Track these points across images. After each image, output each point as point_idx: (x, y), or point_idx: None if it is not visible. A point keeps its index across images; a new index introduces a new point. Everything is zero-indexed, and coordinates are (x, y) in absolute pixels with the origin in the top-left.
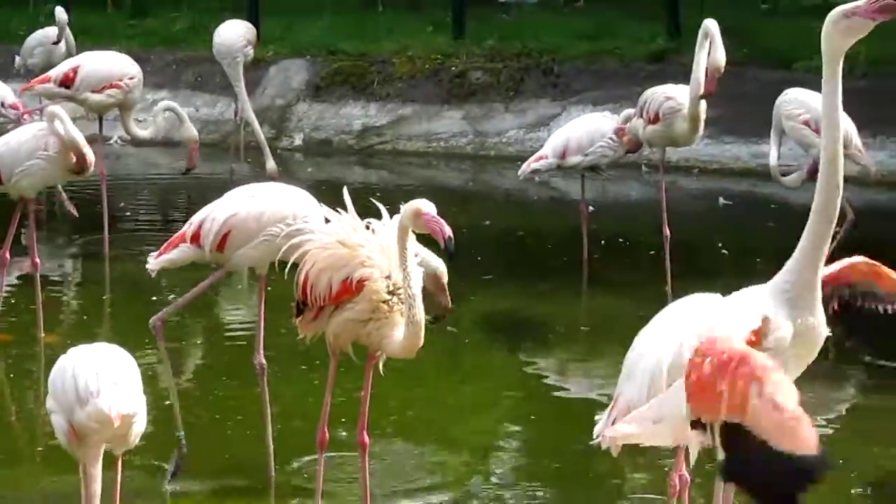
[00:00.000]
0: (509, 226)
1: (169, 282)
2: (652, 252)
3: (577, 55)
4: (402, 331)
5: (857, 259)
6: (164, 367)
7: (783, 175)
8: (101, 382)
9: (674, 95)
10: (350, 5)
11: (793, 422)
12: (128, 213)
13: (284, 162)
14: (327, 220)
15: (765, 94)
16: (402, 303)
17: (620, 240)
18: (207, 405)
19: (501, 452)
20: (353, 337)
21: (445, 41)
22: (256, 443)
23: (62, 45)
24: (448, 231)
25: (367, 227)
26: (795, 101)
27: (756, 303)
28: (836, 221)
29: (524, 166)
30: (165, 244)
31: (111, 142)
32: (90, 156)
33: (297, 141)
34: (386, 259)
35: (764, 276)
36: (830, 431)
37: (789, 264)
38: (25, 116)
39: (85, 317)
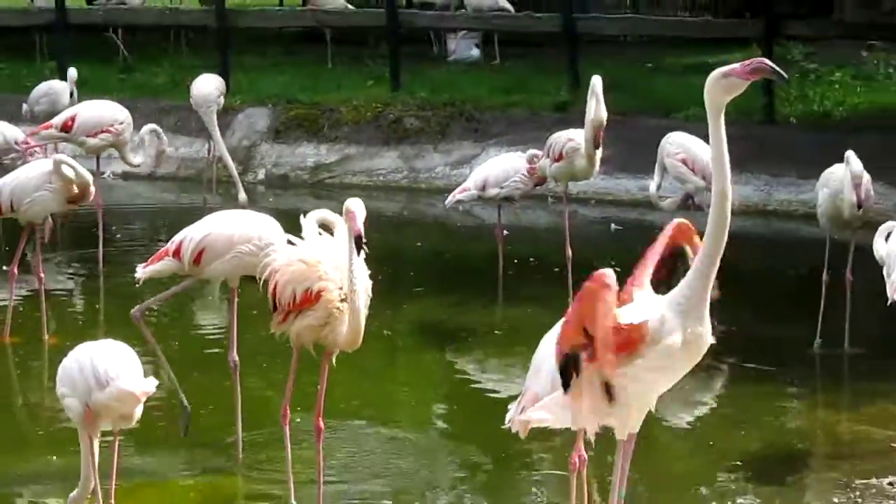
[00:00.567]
0: (437, 247)
1: (152, 292)
2: (556, 269)
3: (495, 105)
4: (346, 325)
5: (681, 220)
6: (153, 350)
7: (661, 200)
8: (120, 368)
9: (574, 137)
10: (305, 62)
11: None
12: (118, 236)
13: (249, 193)
14: (291, 243)
15: (650, 138)
16: (350, 301)
17: (530, 259)
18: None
19: (430, 436)
20: (314, 338)
21: (384, 92)
22: (227, 428)
23: (66, 94)
24: (358, 228)
25: (320, 234)
26: (675, 143)
27: (649, 308)
28: (724, 246)
29: (450, 197)
30: (151, 258)
31: (104, 176)
32: (93, 189)
33: (260, 176)
34: (338, 273)
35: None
36: (702, 414)
37: (684, 282)
38: (33, 151)
39: (82, 322)
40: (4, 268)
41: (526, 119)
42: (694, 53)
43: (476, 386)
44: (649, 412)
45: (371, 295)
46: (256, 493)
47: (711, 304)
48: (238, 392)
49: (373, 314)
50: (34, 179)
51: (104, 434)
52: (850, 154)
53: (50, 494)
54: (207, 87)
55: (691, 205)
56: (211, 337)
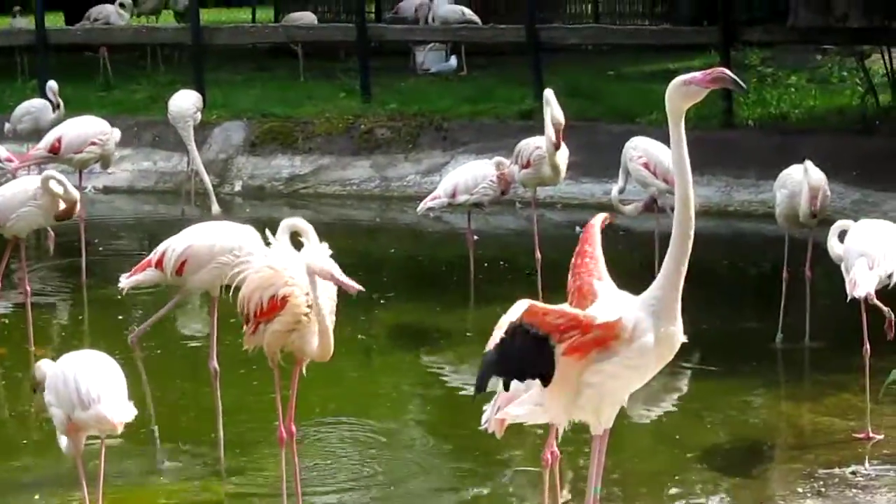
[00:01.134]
0: (410, 253)
1: (134, 302)
2: (527, 272)
3: (462, 114)
4: (317, 339)
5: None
6: (139, 369)
7: (623, 204)
8: (101, 390)
9: (541, 145)
10: (278, 77)
11: None
12: (100, 248)
13: (227, 204)
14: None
15: (613, 143)
16: (318, 311)
17: (500, 262)
18: (167, 402)
19: (405, 436)
20: (281, 345)
21: (356, 104)
22: (208, 433)
23: (49, 112)
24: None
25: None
26: (638, 148)
27: (621, 306)
28: (690, 247)
29: (421, 204)
30: (134, 268)
31: (86, 190)
32: (79, 206)
33: (237, 187)
34: (305, 279)
35: (618, 287)
36: (668, 409)
37: (655, 283)
38: (18, 172)
39: (66, 332)
40: None
41: (493, 127)
42: (654, 61)
43: (450, 386)
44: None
45: (336, 300)
46: (239, 497)
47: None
48: (218, 398)
49: (346, 319)
50: (20, 195)
51: (90, 438)
52: (808, 164)
53: (37, 501)
54: (184, 102)
55: (655, 208)
56: (192, 345)
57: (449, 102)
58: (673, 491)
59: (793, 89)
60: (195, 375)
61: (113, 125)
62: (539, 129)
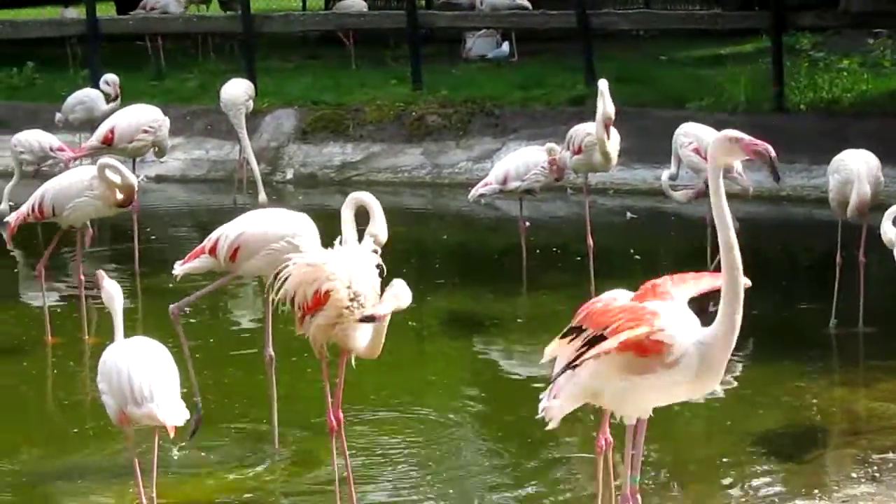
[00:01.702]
0: (461, 240)
1: (186, 290)
2: (578, 258)
3: (513, 101)
4: (368, 337)
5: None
6: (183, 348)
7: (674, 191)
8: (155, 388)
9: (592, 132)
10: (329, 65)
11: None
12: (153, 237)
13: (279, 192)
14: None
15: (664, 129)
16: (364, 308)
17: (553, 249)
18: (219, 390)
19: (458, 423)
20: (326, 338)
21: (406, 92)
22: (262, 421)
23: (102, 102)
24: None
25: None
26: (688, 134)
27: (684, 333)
28: (742, 291)
29: (473, 191)
30: (188, 255)
31: (138, 179)
32: (135, 196)
33: (289, 175)
34: (347, 271)
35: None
36: (720, 394)
37: (713, 327)
38: (72, 163)
39: None
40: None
41: (544, 113)
42: (705, 45)
43: (501, 373)
44: None
45: (379, 290)
46: (293, 485)
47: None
48: (274, 386)
49: None
50: (76, 185)
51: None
52: (861, 173)
53: (92, 491)
54: (236, 90)
55: (704, 193)
56: (245, 333)
57: (500, 89)
58: (725, 476)
59: (844, 73)
60: (247, 363)
61: (165, 114)
62: (590, 115)
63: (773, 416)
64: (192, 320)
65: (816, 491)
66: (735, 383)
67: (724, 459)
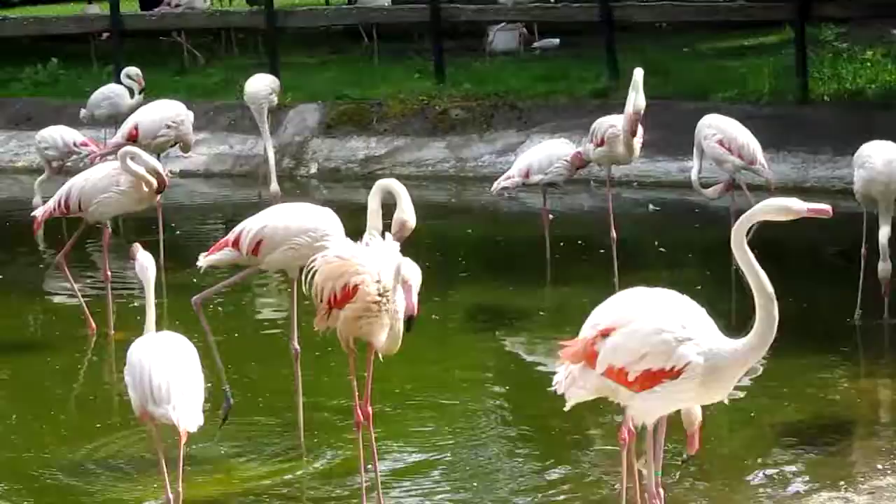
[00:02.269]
0: (485, 233)
1: (211, 285)
2: (602, 251)
3: (536, 94)
4: (385, 335)
5: None
6: (207, 337)
7: (704, 187)
8: (175, 392)
9: (616, 124)
10: (352, 59)
11: None
12: (178, 232)
13: (303, 187)
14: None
15: (687, 121)
16: (390, 303)
17: (576, 242)
18: (244, 383)
19: (482, 416)
20: (352, 332)
21: (430, 85)
22: (287, 413)
23: (127, 97)
24: (413, 305)
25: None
26: (712, 126)
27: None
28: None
29: (495, 184)
30: (212, 247)
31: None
32: (165, 177)
33: (313, 169)
34: (376, 265)
35: (693, 266)
36: (745, 386)
37: (734, 347)
38: (96, 161)
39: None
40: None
41: (568, 106)
42: (729, 37)
43: (525, 366)
44: None
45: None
46: (318, 478)
47: None
48: (299, 378)
49: (422, 299)
50: (103, 181)
51: None
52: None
53: (119, 485)
54: (258, 84)
55: (732, 187)
56: (269, 326)
57: (523, 82)
58: (750, 469)
59: (868, 64)
60: (272, 357)
61: (189, 109)
62: (614, 108)
63: (798, 408)
64: (216, 314)
65: (842, 483)
66: (759, 376)
67: (749, 451)
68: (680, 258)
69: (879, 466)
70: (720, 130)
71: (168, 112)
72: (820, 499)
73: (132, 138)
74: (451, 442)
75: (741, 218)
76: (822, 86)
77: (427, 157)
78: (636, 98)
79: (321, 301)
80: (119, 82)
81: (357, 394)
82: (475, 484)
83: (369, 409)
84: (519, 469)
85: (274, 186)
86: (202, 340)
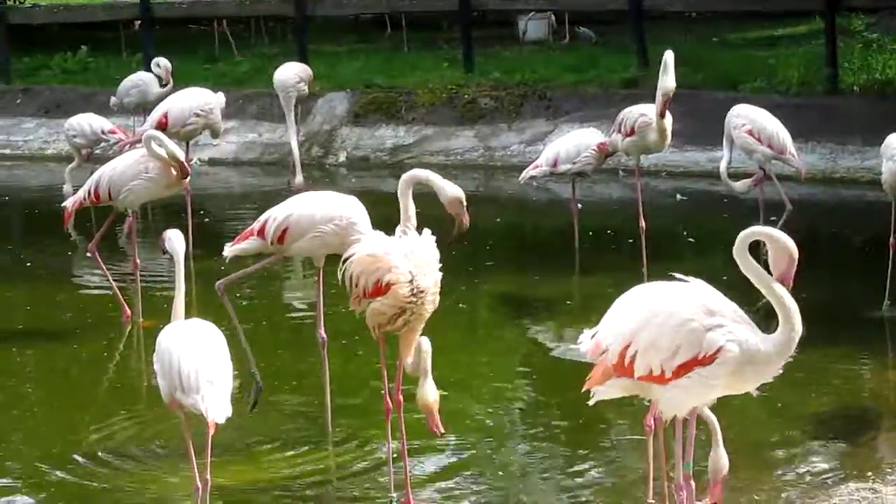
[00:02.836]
0: (514, 222)
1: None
2: (630, 240)
3: (566, 83)
4: (411, 360)
5: None
6: (234, 322)
7: (733, 179)
8: (204, 381)
9: (646, 112)
10: (381, 48)
11: None
12: (206, 220)
13: (332, 175)
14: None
15: (717, 111)
16: (423, 305)
17: (605, 231)
18: (271, 371)
19: (510, 404)
20: (380, 324)
21: (458, 74)
22: (314, 402)
23: (156, 85)
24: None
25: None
26: (741, 116)
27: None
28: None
29: (524, 174)
30: (238, 236)
31: (192, 162)
32: (187, 166)
33: (342, 158)
34: (410, 263)
35: (723, 256)
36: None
37: (768, 341)
38: (125, 149)
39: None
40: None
41: (597, 96)
42: (758, 27)
43: (552, 355)
44: None
45: (440, 285)
46: (345, 466)
47: None
48: (327, 367)
49: (449, 288)
50: (132, 168)
51: None
52: None
53: (147, 473)
54: (286, 73)
55: (762, 180)
56: (296, 314)
57: (552, 71)
58: (778, 459)
59: None
60: (299, 345)
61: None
62: (643, 98)
63: (826, 399)
64: (243, 303)
65: (870, 473)
66: (785, 367)
67: (777, 442)
68: (708, 248)
69: None
70: (750, 120)
71: (197, 100)
72: (847, 489)
73: (161, 126)
74: (477, 431)
75: (743, 233)
76: (852, 76)
77: (455, 146)
78: (666, 80)
79: (356, 294)
80: (149, 70)
81: (386, 381)
82: (500, 472)
83: (400, 396)
84: (544, 459)
85: (299, 178)
86: (229, 328)
